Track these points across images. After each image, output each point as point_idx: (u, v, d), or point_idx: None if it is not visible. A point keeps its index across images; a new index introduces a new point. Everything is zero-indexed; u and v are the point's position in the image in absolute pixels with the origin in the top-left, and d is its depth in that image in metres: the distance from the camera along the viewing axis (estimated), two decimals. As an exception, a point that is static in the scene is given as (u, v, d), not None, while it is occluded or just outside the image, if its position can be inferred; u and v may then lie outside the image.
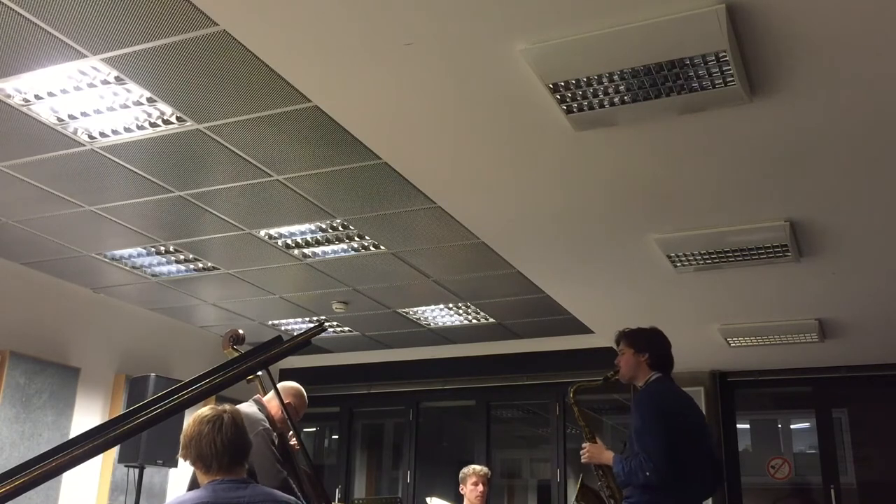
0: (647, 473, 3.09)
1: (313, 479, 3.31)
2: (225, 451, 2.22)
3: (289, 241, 5.02)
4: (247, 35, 2.59)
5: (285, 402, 3.28)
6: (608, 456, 3.44)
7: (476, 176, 3.47)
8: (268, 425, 3.31)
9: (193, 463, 2.26)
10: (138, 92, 3.37)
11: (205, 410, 2.31)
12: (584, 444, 3.59)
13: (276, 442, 3.33)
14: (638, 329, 3.50)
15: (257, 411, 3.35)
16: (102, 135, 3.74)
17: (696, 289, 4.77)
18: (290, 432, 3.38)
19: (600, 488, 3.64)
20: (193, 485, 3.24)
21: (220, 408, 2.33)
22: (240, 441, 2.28)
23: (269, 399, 3.46)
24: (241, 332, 3.26)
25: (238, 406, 3.45)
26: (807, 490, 6.94)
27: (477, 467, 5.34)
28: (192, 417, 2.31)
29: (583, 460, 3.57)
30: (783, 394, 7.33)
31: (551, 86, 2.67)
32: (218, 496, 2.18)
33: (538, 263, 4.56)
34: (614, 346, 3.54)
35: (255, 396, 3.49)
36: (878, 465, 6.62)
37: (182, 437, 2.28)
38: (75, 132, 3.72)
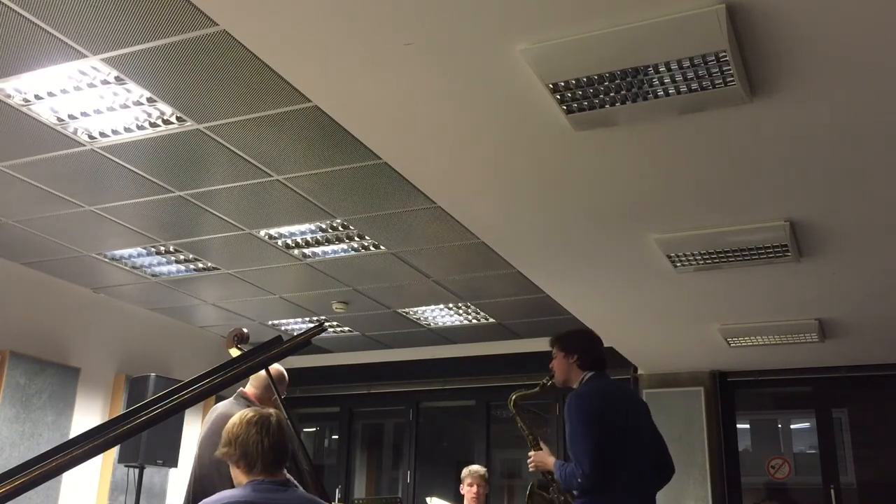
0: (580, 479, 3.11)
1: (314, 479, 3.31)
2: (270, 452, 2.30)
3: (289, 241, 5.02)
4: (247, 35, 2.59)
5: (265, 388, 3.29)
6: (551, 462, 3.45)
7: (476, 176, 3.47)
8: None
9: (236, 462, 2.32)
10: (138, 92, 3.37)
11: (249, 412, 2.38)
12: (530, 453, 3.59)
13: None
14: (567, 332, 3.58)
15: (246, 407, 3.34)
16: (102, 135, 3.74)
17: (696, 289, 4.77)
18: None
19: (552, 493, 3.66)
20: (195, 486, 3.25)
21: (265, 411, 2.40)
22: (284, 444, 2.35)
23: (256, 393, 3.45)
24: (245, 330, 3.26)
25: (223, 402, 3.47)
26: (807, 490, 6.93)
27: (473, 467, 5.34)
28: (237, 417, 2.38)
29: (530, 468, 3.59)
30: (783, 394, 7.32)
31: (551, 86, 2.66)
32: (258, 496, 2.23)
33: (538, 263, 4.55)
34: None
35: (239, 390, 3.48)
36: (878, 465, 6.62)
37: (225, 435, 2.35)
38: (75, 132, 3.72)
